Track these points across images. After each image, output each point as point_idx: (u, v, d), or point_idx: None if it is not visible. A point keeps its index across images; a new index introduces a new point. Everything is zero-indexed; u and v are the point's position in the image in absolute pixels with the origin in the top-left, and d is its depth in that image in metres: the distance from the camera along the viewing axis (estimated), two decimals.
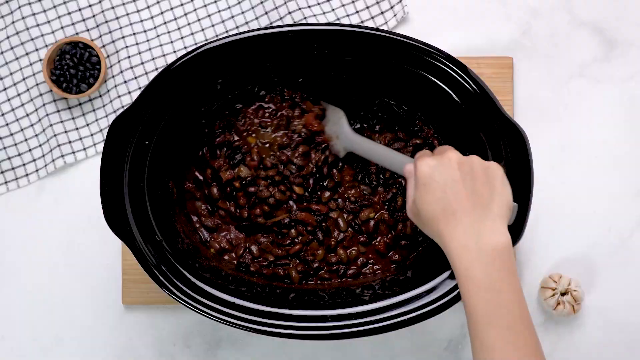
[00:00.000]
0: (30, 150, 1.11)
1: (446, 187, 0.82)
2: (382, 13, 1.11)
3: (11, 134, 1.10)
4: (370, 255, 1.01)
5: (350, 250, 1.00)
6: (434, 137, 1.00)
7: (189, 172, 1.01)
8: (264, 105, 1.01)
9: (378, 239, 1.00)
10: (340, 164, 1.01)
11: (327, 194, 1.00)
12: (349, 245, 1.01)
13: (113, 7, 1.11)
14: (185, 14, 1.11)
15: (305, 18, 1.09)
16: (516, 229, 0.88)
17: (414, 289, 0.91)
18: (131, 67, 1.10)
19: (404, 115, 1.00)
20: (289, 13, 1.10)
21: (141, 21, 1.11)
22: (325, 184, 1.01)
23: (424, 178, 0.83)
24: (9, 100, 1.11)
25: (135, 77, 1.10)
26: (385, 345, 1.09)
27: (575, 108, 1.11)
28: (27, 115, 1.11)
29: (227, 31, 1.12)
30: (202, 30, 1.11)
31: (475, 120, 0.92)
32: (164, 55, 1.11)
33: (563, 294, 1.06)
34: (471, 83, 0.91)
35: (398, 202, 1.00)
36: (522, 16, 1.11)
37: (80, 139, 1.11)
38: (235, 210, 1.00)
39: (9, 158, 1.10)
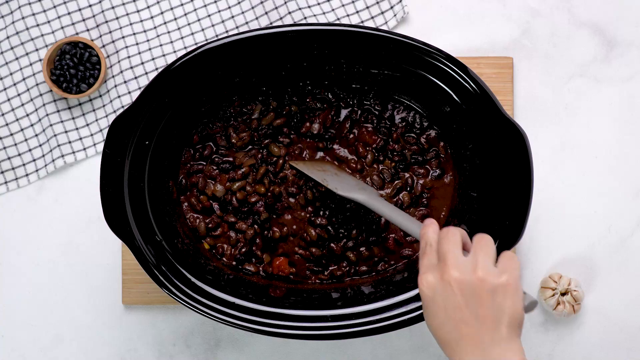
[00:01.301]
0: (30, 150, 1.11)
1: (448, 312, 0.74)
2: (382, 13, 1.11)
3: (11, 134, 1.10)
4: (382, 254, 1.00)
5: (362, 250, 1.00)
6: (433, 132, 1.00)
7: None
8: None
9: (388, 238, 1.00)
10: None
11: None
12: (361, 245, 1.00)
13: (113, 7, 1.11)
14: (185, 14, 1.11)
15: (305, 18, 1.09)
16: (516, 229, 0.88)
17: (414, 289, 0.91)
18: (131, 67, 1.10)
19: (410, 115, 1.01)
20: (289, 13, 1.10)
21: (141, 21, 1.11)
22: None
23: (425, 299, 0.76)
24: (9, 100, 1.11)
25: (135, 77, 1.10)
26: (385, 345, 1.09)
27: (575, 108, 1.11)
28: (27, 115, 1.11)
29: (227, 31, 1.12)
30: (202, 30, 1.11)
31: (475, 120, 0.92)
32: (164, 55, 1.11)
33: (563, 294, 1.06)
34: (471, 83, 0.91)
35: (404, 200, 1.00)
36: (522, 16, 1.11)
37: (80, 139, 1.11)
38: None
39: (9, 158, 1.10)
